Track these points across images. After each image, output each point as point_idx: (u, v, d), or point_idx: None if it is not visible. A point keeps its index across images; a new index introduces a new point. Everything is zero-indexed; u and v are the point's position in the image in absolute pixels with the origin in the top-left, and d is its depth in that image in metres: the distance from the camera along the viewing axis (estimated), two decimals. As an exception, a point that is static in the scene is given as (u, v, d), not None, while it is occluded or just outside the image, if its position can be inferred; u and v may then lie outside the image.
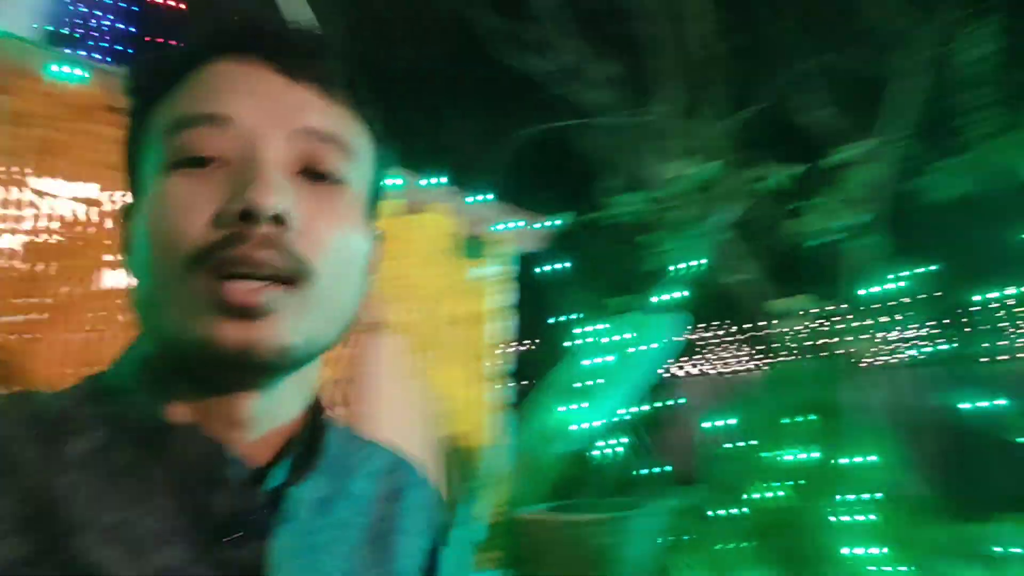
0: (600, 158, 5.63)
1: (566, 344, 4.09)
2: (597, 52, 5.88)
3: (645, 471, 3.92)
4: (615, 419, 3.91)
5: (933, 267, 3.91)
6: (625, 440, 3.93)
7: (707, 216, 4.48)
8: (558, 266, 4.35)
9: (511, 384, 3.92)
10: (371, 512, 0.66)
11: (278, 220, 0.54)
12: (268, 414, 0.60)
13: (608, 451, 3.86)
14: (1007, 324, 3.52)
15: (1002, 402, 3.19)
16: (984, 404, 3.24)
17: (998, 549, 2.56)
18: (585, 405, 3.80)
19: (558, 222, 4.47)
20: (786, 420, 3.20)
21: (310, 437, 0.63)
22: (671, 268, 4.19)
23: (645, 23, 5.86)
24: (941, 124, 4.58)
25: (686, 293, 3.98)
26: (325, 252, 0.57)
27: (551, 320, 4.27)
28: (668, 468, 3.96)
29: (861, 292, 4.26)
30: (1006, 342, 3.62)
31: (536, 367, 4.20)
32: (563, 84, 5.82)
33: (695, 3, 5.63)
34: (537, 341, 5.31)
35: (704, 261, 4.07)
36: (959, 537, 2.71)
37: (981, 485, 3.08)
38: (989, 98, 4.19)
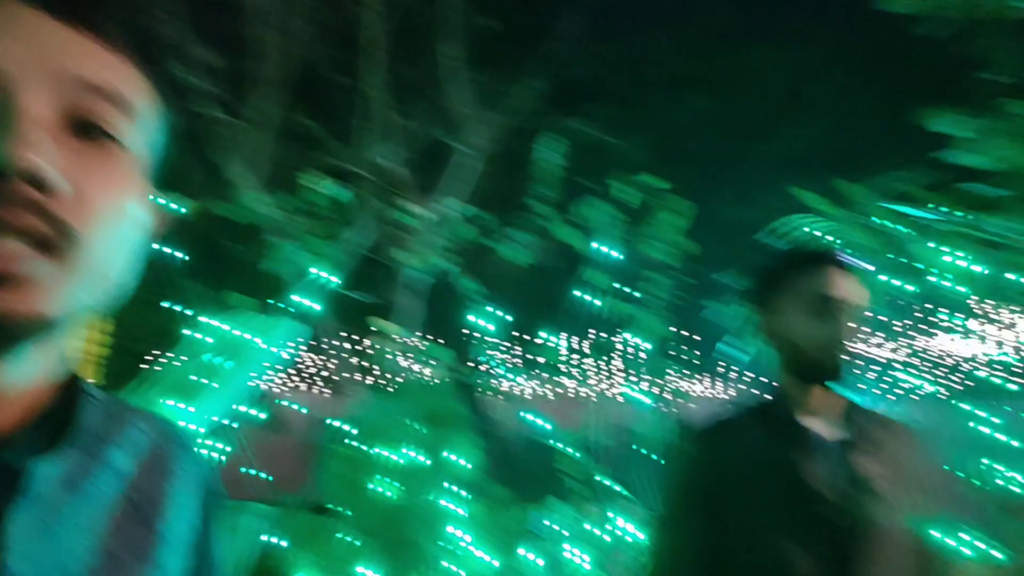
0: (203, 147, 5.36)
1: (175, 335, 3.75)
2: (201, 38, 5.64)
3: (246, 472, 3.83)
4: (220, 420, 3.72)
5: (508, 315, 4.79)
6: (227, 443, 3.78)
7: (335, 234, 4.69)
8: (173, 251, 3.98)
9: (106, 371, 3.38)
10: (131, 487, 0.62)
11: (36, 182, 0.48)
12: (10, 382, 0.55)
13: (210, 453, 3.64)
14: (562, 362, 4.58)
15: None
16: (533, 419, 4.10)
17: (547, 524, 3.36)
18: (190, 403, 3.53)
19: (181, 208, 4.08)
20: (402, 425, 3.58)
21: (61, 407, 0.59)
22: (298, 276, 4.24)
23: (256, 29, 5.87)
24: (514, 200, 5.65)
25: (315, 305, 4.09)
26: (94, 220, 0.52)
27: (160, 308, 3.87)
28: (268, 475, 3.94)
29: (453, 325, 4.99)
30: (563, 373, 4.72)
31: (137, 357, 3.70)
32: (164, 56, 5.39)
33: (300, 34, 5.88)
34: (141, 329, 4.65)
35: (333, 278, 4.25)
36: (521, 519, 3.45)
37: (533, 478, 3.94)
38: (553, 189, 5.36)
